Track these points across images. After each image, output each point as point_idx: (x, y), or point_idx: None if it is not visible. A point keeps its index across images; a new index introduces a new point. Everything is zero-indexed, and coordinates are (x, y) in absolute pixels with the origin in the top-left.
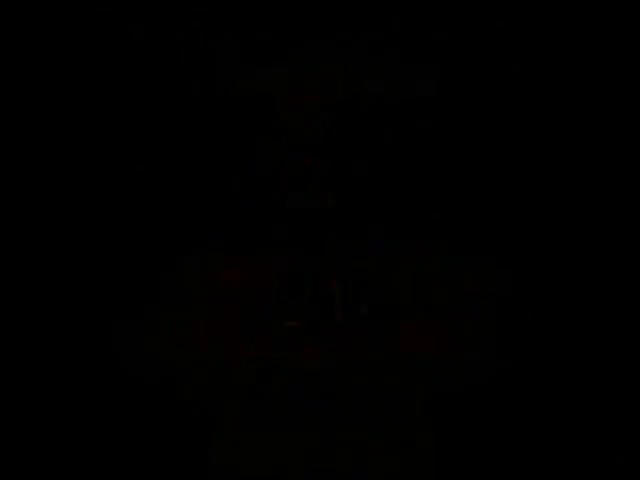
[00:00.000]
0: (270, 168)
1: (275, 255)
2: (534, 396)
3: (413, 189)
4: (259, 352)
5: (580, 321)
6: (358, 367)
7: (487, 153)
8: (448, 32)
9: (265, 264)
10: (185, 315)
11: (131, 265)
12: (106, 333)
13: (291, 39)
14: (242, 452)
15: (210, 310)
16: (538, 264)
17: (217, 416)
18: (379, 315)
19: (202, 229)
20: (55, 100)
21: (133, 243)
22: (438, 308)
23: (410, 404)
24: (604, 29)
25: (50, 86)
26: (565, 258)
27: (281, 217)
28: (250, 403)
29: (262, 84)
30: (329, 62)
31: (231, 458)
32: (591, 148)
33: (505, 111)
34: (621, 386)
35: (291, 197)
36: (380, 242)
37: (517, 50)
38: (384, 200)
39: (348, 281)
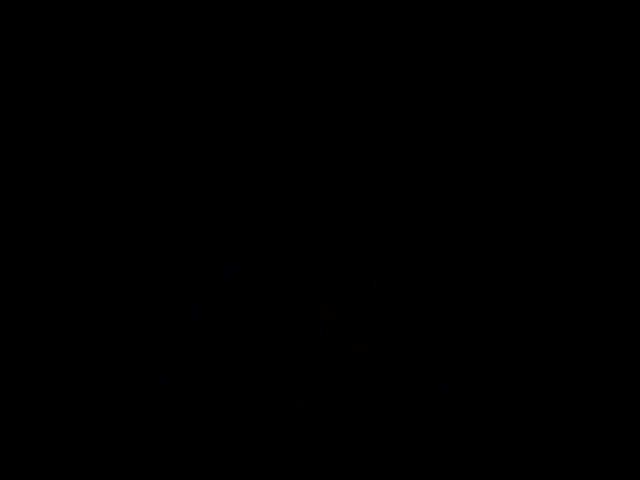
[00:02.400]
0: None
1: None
2: (534, 395)
3: (413, 189)
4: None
5: (580, 321)
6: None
7: (487, 153)
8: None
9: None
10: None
11: (131, 265)
12: (106, 334)
13: (291, 39)
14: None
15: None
16: (538, 264)
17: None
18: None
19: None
20: (55, 100)
21: (133, 243)
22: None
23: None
24: (604, 29)
25: (50, 86)
26: (565, 258)
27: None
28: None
29: (262, 84)
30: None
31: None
32: (591, 149)
33: (505, 111)
34: (621, 386)
35: None
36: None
37: (517, 50)
38: (384, 200)
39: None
